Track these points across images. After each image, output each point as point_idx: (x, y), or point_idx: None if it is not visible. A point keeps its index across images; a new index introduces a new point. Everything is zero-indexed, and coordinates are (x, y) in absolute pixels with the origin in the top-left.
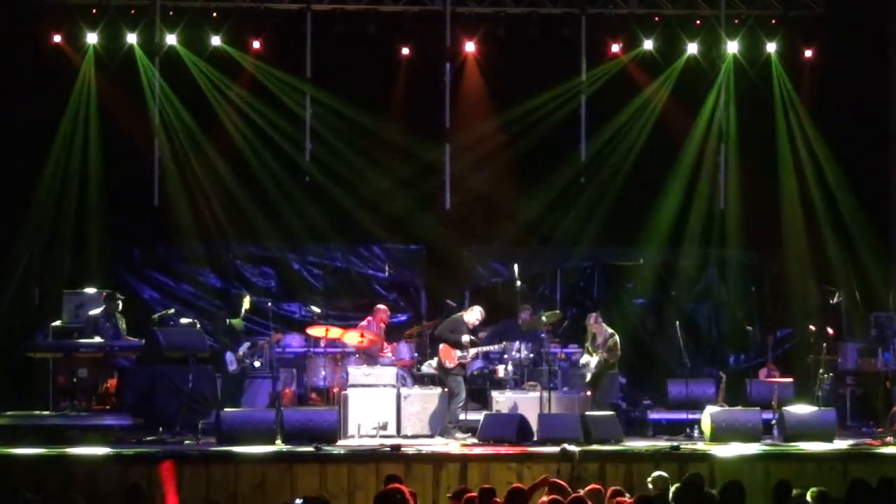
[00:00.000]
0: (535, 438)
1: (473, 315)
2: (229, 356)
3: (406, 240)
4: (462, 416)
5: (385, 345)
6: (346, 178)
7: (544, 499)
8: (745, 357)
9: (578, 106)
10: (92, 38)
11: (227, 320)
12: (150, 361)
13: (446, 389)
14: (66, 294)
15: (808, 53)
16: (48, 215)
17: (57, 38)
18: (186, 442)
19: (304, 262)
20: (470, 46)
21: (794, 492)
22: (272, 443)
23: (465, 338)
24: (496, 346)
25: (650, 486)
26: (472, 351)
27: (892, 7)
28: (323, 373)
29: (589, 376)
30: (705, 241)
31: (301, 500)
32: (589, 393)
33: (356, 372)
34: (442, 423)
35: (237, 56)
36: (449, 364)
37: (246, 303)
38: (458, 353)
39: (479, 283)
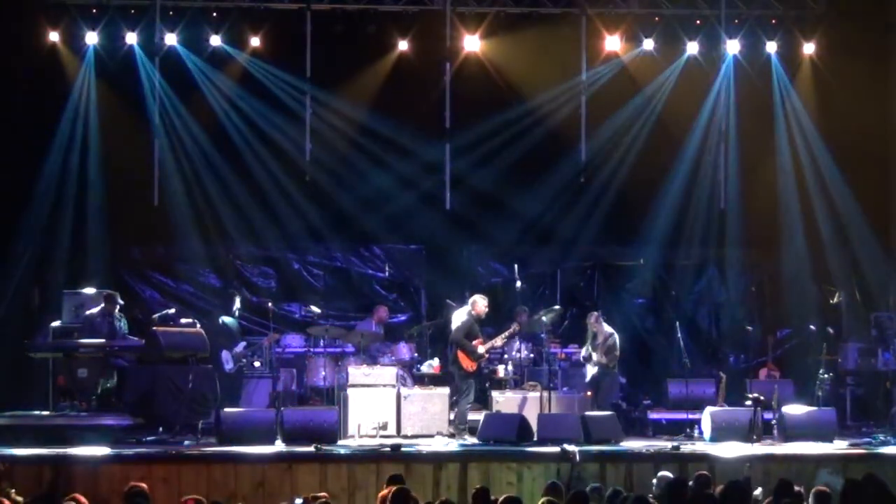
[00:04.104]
0: (535, 438)
1: (480, 305)
2: (225, 355)
3: (406, 240)
4: (471, 417)
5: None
6: (346, 177)
7: None
8: (745, 357)
9: (578, 106)
10: (92, 38)
11: (221, 319)
12: (150, 361)
13: (454, 386)
14: (66, 294)
15: (808, 53)
16: (48, 215)
17: (57, 38)
18: (186, 442)
19: (304, 262)
20: (470, 46)
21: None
22: (272, 443)
23: (482, 349)
24: (506, 333)
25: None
26: (492, 344)
27: (891, 7)
28: (323, 373)
29: (589, 377)
30: (705, 241)
31: (301, 500)
32: (589, 394)
33: (356, 372)
34: (452, 422)
35: (237, 56)
36: (470, 369)
37: (237, 301)
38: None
39: (479, 283)
